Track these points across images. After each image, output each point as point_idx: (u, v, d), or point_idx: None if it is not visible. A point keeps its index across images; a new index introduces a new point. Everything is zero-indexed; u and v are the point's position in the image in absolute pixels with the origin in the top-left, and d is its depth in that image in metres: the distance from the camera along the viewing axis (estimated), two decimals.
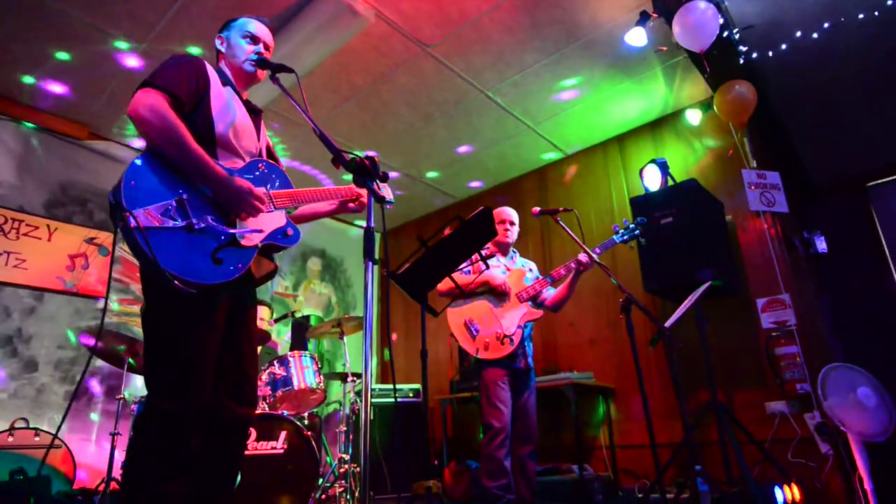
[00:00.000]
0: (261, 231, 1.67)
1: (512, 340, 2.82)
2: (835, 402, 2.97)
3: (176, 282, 1.43)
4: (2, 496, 2.94)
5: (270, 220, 1.72)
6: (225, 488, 1.69)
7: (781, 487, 2.95)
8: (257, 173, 1.76)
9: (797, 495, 2.97)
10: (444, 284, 2.82)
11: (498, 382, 2.79)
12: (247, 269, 1.61)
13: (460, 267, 2.80)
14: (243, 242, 1.61)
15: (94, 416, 3.97)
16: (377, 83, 3.99)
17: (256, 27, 1.93)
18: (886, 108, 4.27)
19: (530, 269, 3.16)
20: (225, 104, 1.75)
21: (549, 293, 3.10)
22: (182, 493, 1.43)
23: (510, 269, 3.08)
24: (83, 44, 3.49)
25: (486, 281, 2.90)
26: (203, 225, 1.53)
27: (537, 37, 3.60)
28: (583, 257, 2.85)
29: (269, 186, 1.76)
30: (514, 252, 3.23)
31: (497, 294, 2.93)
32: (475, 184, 5.57)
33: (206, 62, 1.78)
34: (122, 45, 3.51)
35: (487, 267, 2.59)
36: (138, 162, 1.53)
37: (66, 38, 3.43)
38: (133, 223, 1.41)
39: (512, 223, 3.17)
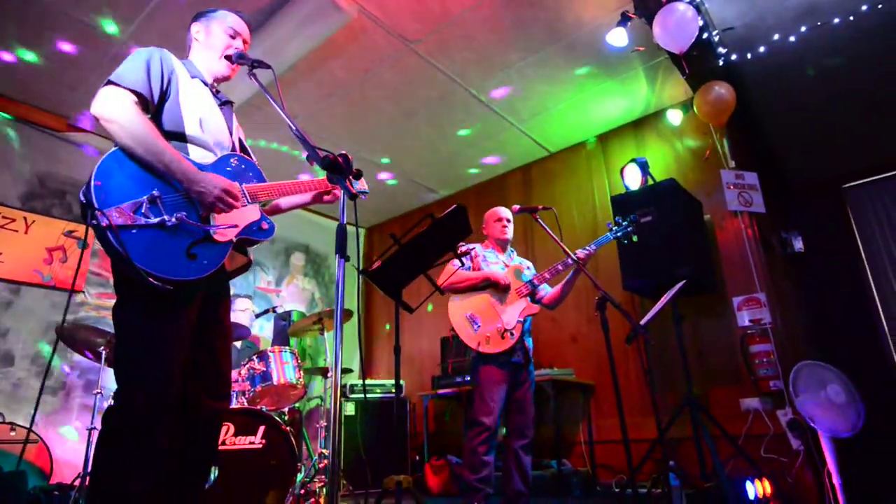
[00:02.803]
0: (235, 226, 1.67)
1: (512, 334, 2.85)
2: (805, 399, 3.03)
3: (151, 279, 1.42)
4: None
5: (244, 215, 1.71)
6: (198, 483, 1.70)
7: (753, 482, 3.02)
8: (229, 168, 1.75)
9: (768, 490, 3.04)
10: (448, 280, 2.87)
11: (493, 379, 2.80)
12: (221, 264, 1.60)
13: (460, 265, 2.83)
14: (217, 238, 1.60)
15: (72, 411, 3.94)
16: (361, 79, 3.99)
17: (236, 21, 1.92)
18: (862, 112, 4.35)
19: (528, 268, 3.21)
20: (194, 98, 1.73)
21: (546, 291, 3.14)
22: (151, 488, 1.43)
23: (508, 265, 3.12)
24: (63, 35, 3.45)
25: (488, 277, 2.94)
26: (176, 221, 1.51)
27: (521, 36, 3.62)
28: (580, 253, 2.87)
29: (241, 181, 1.75)
30: (512, 250, 3.27)
31: (498, 289, 2.96)
32: (459, 181, 5.59)
33: (171, 55, 1.75)
34: (102, 36, 3.47)
35: (462, 265, 2.56)
36: (108, 159, 1.51)
37: (45, 28, 3.38)
38: (105, 222, 1.39)
39: (508, 220, 3.21)
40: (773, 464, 3.31)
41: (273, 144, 4.77)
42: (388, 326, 6.04)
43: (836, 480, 2.94)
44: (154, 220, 1.49)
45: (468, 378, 4.27)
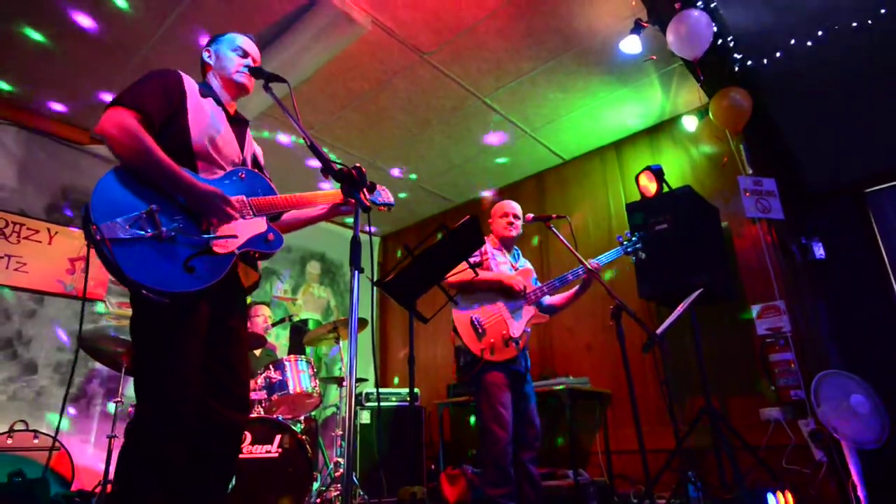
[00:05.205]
0: (235, 237, 1.68)
1: (517, 343, 2.74)
2: (828, 409, 2.97)
3: (144, 291, 1.45)
4: (1, 498, 2.97)
5: (248, 227, 1.72)
6: (218, 493, 1.71)
7: (774, 494, 2.96)
8: (233, 181, 1.77)
9: (790, 502, 2.97)
10: (456, 277, 2.72)
11: (499, 385, 2.68)
12: (223, 276, 1.61)
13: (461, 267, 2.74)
14: (217, 249, 1.61)
15: (93, 419, 4.01)
16: (375, 89, 4.02)
17: (245, 41, 1.96)
18: (883, 114, 4.27)
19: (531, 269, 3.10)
20: (202, 116, 1.75)
21: (547, 297, 3.03)
22: (172, 500, 1.45)
23: (516, 266, 2.99)
24: (89, 48, 3.53)
25: (502, 280, 2.79)
26: (173, 234, 1.54)
27: (533, 44, 3.63)
28: (592, 264, 2.79)
29: (248, 194, 1.76)
30: (518, 251, 3.13)
31: (509, 294, 2.83)
32: (473, 189, 5.60)
33: (183, 74, 1.78)
34: (124, 49, 3.56)
35: (476, 275, 2.50)
36: (109, 176, 1.56)
37: (66, 45, 3.48)
38: (98, 236, 1.43)
39: (516, 216, 3.02)
40: (796, 475, 3.24)
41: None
42: (402, 354, 6.07)
43: (860, 493, 2.87)
44: (149, 232, 1.52)
45: None
